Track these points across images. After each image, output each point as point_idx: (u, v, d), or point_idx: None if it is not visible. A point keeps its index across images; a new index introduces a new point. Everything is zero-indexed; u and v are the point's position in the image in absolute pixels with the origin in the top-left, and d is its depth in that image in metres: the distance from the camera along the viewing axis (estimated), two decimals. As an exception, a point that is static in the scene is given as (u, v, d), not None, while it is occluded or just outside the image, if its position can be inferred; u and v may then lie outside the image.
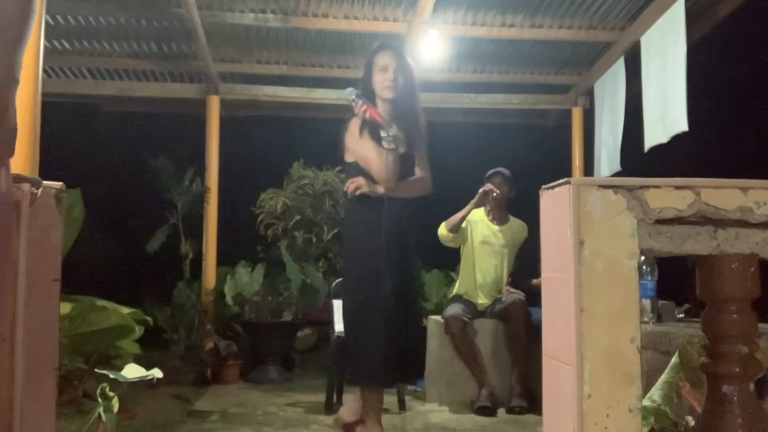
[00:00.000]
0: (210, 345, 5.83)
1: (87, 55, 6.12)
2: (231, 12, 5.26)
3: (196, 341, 5.68)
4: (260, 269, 6.44)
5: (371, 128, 3.09)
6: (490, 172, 4.86)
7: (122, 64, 6.28)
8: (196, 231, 6.19)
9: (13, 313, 1.41)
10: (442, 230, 4.78)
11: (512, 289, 4.77)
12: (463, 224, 4.74)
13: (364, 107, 3.05)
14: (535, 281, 4.49)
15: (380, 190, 3.09)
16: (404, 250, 3.14)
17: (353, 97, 3.08)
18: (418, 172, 3.26)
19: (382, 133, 3.01)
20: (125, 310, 4.62)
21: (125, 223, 7.36)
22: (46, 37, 3.92)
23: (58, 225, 1.62)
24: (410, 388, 5.20)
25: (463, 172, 5.75)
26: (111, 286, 6.13)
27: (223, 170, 6.37)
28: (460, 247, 4.93)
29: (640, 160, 5.07)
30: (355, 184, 3.11)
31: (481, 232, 4.85)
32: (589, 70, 6.31)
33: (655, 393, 2.11)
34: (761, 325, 1.66)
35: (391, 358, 3.04)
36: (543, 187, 1.61)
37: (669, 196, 1.41)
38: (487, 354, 4.71)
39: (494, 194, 4.70)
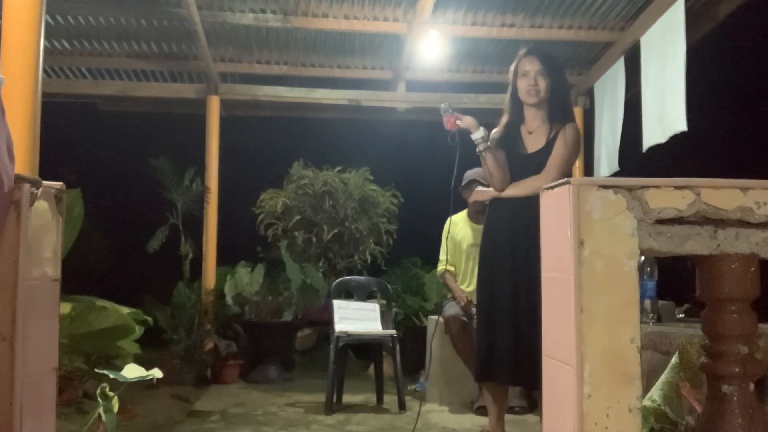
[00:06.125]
0: (210, 345, 5.83)
1: (87, 55, 6.13)
2: (231, 12, 5.26)
3: (196, 341, 5.68)
4: (260, 269, 6.43)
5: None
6: (466, 180, 4.74)
7: (122, 64, 6.28)
8: (196, 231, 6.19)
9: (13, 313, 1.41)
10: (439, 278, 5.05)
11: None
12: (450, 232, 4.69)
13: (444, 118, 3.22)
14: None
15: (490, 193, 3.32)
16: (528, 248, 2.98)
17: (443, 109, 3.24)
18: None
19: (472, 137, 3.20)
20: (125, 310, 4.61)
21: (125, 223, 7.37)
22: (46, 37, 3.92)
23: (58, 225, 1.62)
24: (410, 388, 5.21)
25: (463, 170, 5.74)
26: (111, 286, 6.14)
27: (223, 170, 6.37)
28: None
29: (639, 160, 5.07)
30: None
31: (468, 235, 4.83)
32: (589, 70, 6.31)
33: (655, 393, 2.11)
34: (761, 325, 1.66)
35: (512, 358, 3.09)
36: (543, 187, 1.61)
37: (669, 196, 1.41)
38: (487, 354, 4.70)
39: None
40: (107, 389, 2.60)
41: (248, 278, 6.33)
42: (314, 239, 6.71)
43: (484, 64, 6.36)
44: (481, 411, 4.40)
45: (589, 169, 6.19)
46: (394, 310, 5.55)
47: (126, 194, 7.71)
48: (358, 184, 6.90)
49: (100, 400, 2.57)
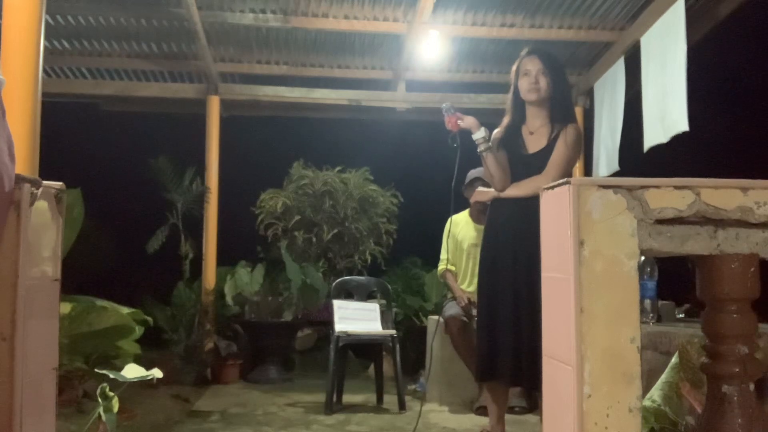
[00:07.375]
0: (210, 345, 5.83)
1: (87, 55, 6.13)
2: (231, 12, 5.26)
3: (196, 341, 5.68)
4: (260, 269, 6.44)
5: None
6: (470, 178, 4.73)
7: (122, 64, 6.28)
8: (196, 231, 6.19)
9: (13, 313, 1.41)
10: (439, 277, 5.07)
11: None
12: (451, 232, 4.68)
13: (446, 119, 3.24)
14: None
15: (491, 193, 3.33)
16: (528, 248, 2.90)
17: (445, 109, 3.26)
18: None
19: (473, 137, 3.22)
20: (125, 310, 4.61)
21: (125, 223, 7.36)
22: (46, 37, 3.91)
23: (58, 225, 1.62)
24: (410, 387, 5.20)
25: (463, 170, 5.74)
26: (111, 286, 6.13)
27: (223, 170, 6.37)
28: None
29: (639, 160, 5.07)
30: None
31: (469, 235, 4.83)
32: (589, 70, 6.31)
33: (655, 393, 2.11)
34: (761, 325, 1.66)
35: (513, 358, 3.09)
36: (543, 187, 1.61)
37: (669, 196, 1.41)
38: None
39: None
40: (107, 389, 2.60)
41: (248, 278, 6.33)
42: (314, 239, 6.70)
43: (484, 64, 6.36)
44: (481, 411, 4.40)
45: (588, 169, 6.19)
46: (394, 310, 5.54)
47: (126, 194, 7.70)
48: (358, 184, 6.90)
49: (100, 400, 2.57)
